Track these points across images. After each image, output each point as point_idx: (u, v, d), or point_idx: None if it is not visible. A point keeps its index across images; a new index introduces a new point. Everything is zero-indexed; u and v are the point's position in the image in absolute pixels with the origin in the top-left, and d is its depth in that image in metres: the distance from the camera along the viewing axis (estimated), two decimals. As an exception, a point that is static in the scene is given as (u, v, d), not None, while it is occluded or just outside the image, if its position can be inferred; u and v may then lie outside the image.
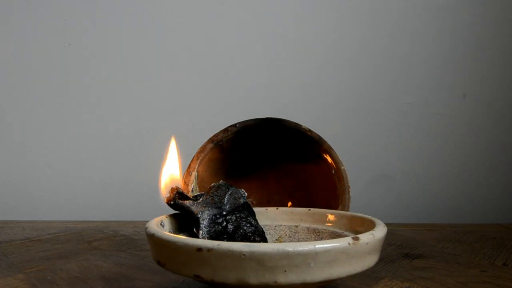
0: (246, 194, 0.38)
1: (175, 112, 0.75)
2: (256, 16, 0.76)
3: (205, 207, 0.37)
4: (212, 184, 0.38)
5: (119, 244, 0.53)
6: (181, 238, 0.28)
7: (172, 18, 0.75)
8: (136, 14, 0.75)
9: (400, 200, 0.75)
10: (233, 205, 0.37)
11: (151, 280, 0.38)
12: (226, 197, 0.37)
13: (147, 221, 0.34)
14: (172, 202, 0.36)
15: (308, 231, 0.41)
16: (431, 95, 0.75)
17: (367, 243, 0.29)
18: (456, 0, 0.75)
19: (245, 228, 0.37)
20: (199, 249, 0.27)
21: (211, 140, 0.47)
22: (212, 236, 0.36)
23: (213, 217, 0.36)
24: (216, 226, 0.36)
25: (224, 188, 0.38)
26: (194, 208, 0.36)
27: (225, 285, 0.28)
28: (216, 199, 0.37)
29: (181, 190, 0.36)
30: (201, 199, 0.37)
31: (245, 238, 0.36)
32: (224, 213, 0.37)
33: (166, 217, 0.37)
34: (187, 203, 0.36)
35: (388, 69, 0.75)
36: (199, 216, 0.36)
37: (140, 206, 0.74)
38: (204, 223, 0.36)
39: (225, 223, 0.36)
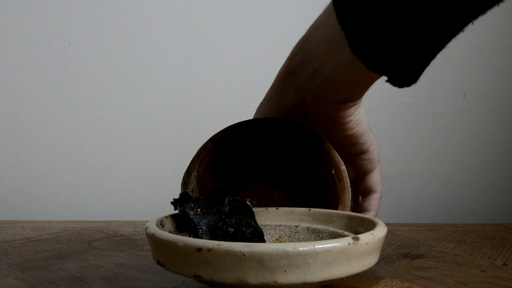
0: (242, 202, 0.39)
1: (175, 112, 0.75)
2: (256, 16, 0.76)
3: (203, 214, 0.37)
4: (212, 188, 0.39)
5: (119, 244, 0.52)
6: (181, 238, 0.28)
7: (173, 18, 0.75)
8: (136, 14, 0.75)
9: (400, 200, 0.75)
10: (232, 206, 0.38)
11: (151, 280, 0.38)
12: (226, 199, 0.38)
13: (147, 221, 0.34)
14: (173, 204, 0.37)
15: (308, 231, 0.41)
16: (431, 95, 0.75)
17: (367, 243, 0.29)
18: (456, 0, 0.75)
19: (244, 229, 0.37)
20: (199, 249, 0.27)
21: (211, 140, 0.47)
22: None
23: (213, 223, 0.37)
24: (217, 231, 0.36)
25: (223, 191, 0.39)
26: (193, 215, 0.37)
27: (225, 285, 0.28)
28: (217, 200, 0.38)
29: (189, 193, 0.37)
30: (201, 200, 0.38)
31: (243, 240, 0.37)
32: (223, 216, 0.37)
33: (166, 217, 0.37)
34: (188, 209, 0.37)
35: (388, 69, 0.75)
36: (198, 229, 0.36)
37: (140, 206, 0.74)
38: (202, 232, 0.36)
39: (225, 226, 0.37)
